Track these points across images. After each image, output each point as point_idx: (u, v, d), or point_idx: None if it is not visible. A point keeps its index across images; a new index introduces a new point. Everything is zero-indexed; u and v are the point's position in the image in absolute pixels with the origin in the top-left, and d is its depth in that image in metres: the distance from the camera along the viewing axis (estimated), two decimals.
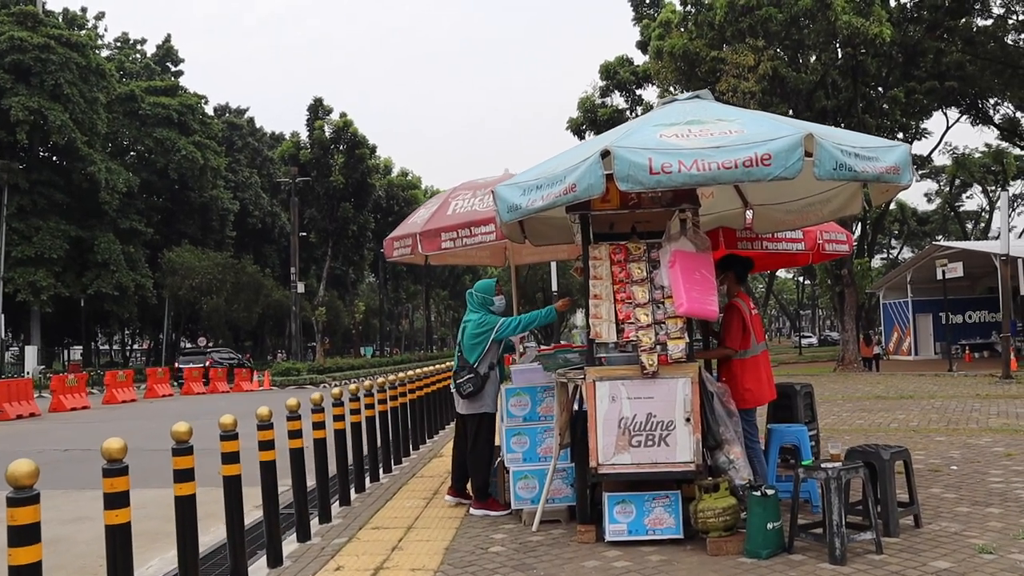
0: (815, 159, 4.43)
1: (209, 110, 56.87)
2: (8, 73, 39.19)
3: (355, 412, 8.15)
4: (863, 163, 4.65)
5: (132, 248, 45.08)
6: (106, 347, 67.70)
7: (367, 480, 7.99)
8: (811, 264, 8.70)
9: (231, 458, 4.97)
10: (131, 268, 44.36)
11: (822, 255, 7.52)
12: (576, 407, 5.87)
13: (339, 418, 7.53)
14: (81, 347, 54.10)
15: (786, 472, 6.51)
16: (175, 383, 28.97)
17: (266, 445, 5.45)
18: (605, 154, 4.48)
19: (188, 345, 58.28)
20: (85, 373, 22.54)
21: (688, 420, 5.00)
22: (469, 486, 6.50)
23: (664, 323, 5.03)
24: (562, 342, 7.44)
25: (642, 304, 5.06)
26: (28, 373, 33.22)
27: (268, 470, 5.45)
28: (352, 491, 7.48)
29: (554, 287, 28.33)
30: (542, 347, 6.46)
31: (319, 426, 6.72)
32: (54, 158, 44.01)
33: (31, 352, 39.63)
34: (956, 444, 9.04)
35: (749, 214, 6.98)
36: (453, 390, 6.45)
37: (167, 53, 56.76)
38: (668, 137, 4.64)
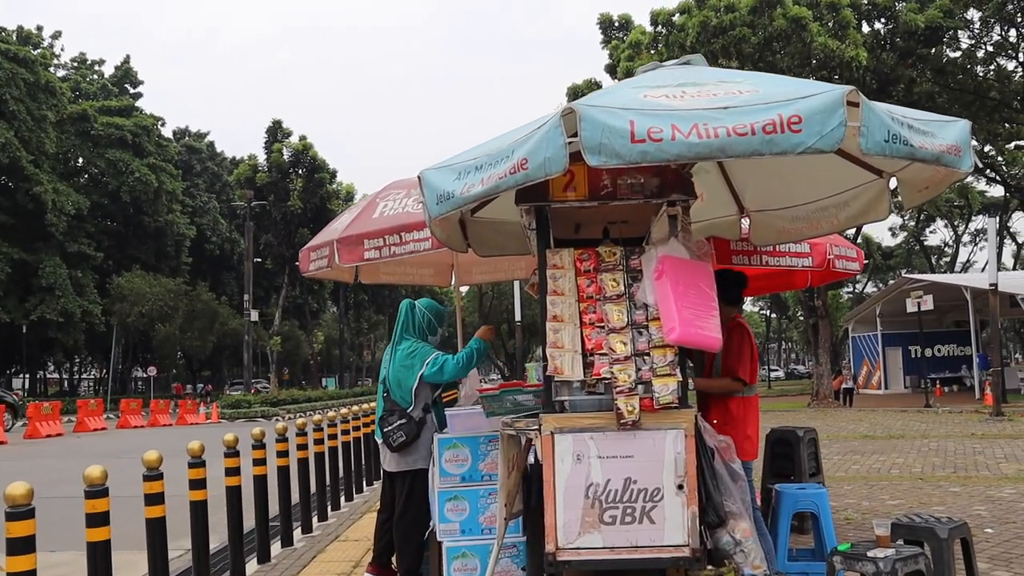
0: (861, 126, 3.16)
1: (167, 132, 55.29)
2: None
3: (282, 455, 6.75)
4: (920, 137, 3.39)
5: (80, 273, 43.22)
6: (55, 375, 64.79)
7: (279, 544, 6.53)
8: (810, 287, 7.36)
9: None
10: (78, 293, 42.48)
11: (832, 273, 6.26)
12: (532, 459, 4.51)
13: (260, 462, 6.14)
14: (27, 375, 51.66)
15: (796, 546, 5.19)
16: (112, 416, 26.92)
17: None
18: (568, 114, 3.17)
19: (142, 374, 55.94)
20: (2, 405, 20.61)
21: (681, 487, 3.66)
22: (395, 560, 5.08)
23: (648, 355, 3.70)
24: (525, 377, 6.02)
25: (618, 329, 3.73)
26: None
27: (156, 530, 4.18)
28: (255, 560, 6.01)
29: (517, 316, 26.73)
30: (484, 385, 5.05)
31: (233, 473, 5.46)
32: None
33: None
34: (977, 497, 7.81)
35: (746, 222, 5.73)
36: (379, 440, 5.05)
37: (125, 75, 55.08)
38: (656, 98, 3.36)
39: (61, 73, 50.89)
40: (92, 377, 64.09)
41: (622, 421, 3.62)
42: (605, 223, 4.30)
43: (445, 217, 4.49)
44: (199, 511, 4.88)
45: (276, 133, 41.89)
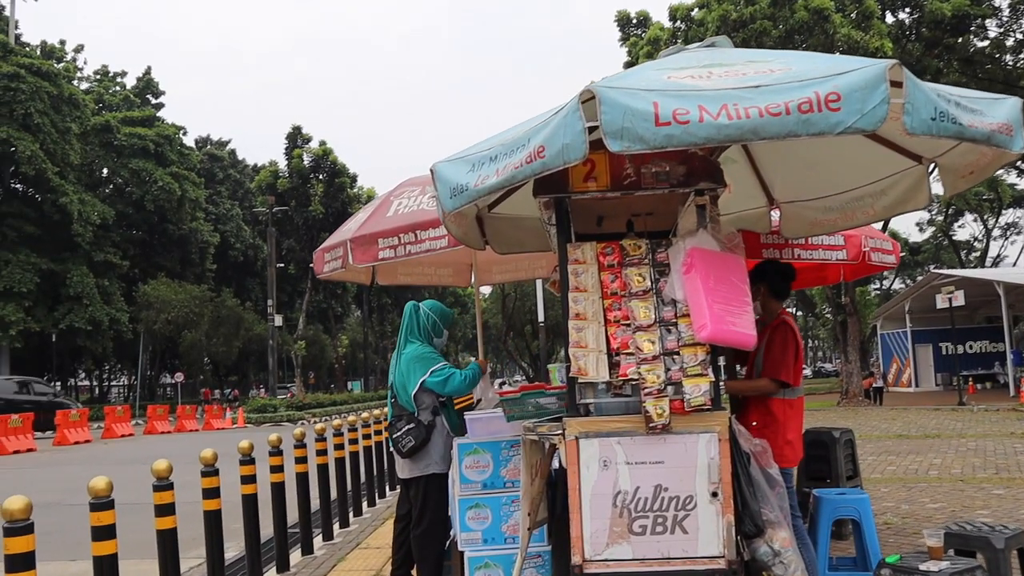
0: (906, 103, 2.92)
1: (189, 141, 55.70)
2: None
3: (301, 460, 6.61)
4: (969, 116, 3.14)
5: (107, 281, 43.64)
6: (85, 383, 65.56)
7: (298, 552, 6.37)
8: (839, 282, 6.98)
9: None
10: (105, 302, 42.88)
11: (868, 266, 5.98)
12: (557, 464, 4.31)
13: (278, 468, 5.99)
14: (59, 384, 52.27)
15: (835, 553, 4.93)
16: (140, 421, 27.02)
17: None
18: (588, 99, 2.97)
19: (169, 380, 56.42)
20: (32, 413, 20.74)
21: (715, 495, 3.43)
22: (415, 573, 4.90)
23: (678, 354, 3.47)
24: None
25: (645, 327, 3.51)
26: None
27: (167, 541, 4.06)
28: (274, 570, 5.85)
29: (540, 316, 26.40)
30: (504, 387, 4.85)
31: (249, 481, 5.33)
32: (24, 189, 42.50)
33: None
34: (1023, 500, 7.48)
35: (775, 214, 5.48)
36: (391, 448, 4.90)
37: (147, 85, 55.60)
38: (681, 79, 3.14)
39: (84, 86, 51.46)
40: (122, 384, 64.75)
41: (651, 425, 3.40)
42: (629, 215, 4.09)
43: (461, 213, 4.31)
44: (213, 521, 4.73)
45: (296, 139, 41.96)
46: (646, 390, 3.42)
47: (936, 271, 37.39)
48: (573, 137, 2.98)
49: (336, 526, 7.34)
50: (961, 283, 26.98)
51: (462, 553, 4.43)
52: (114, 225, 45.27)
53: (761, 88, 2.94)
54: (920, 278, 43.16)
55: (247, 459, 5.36)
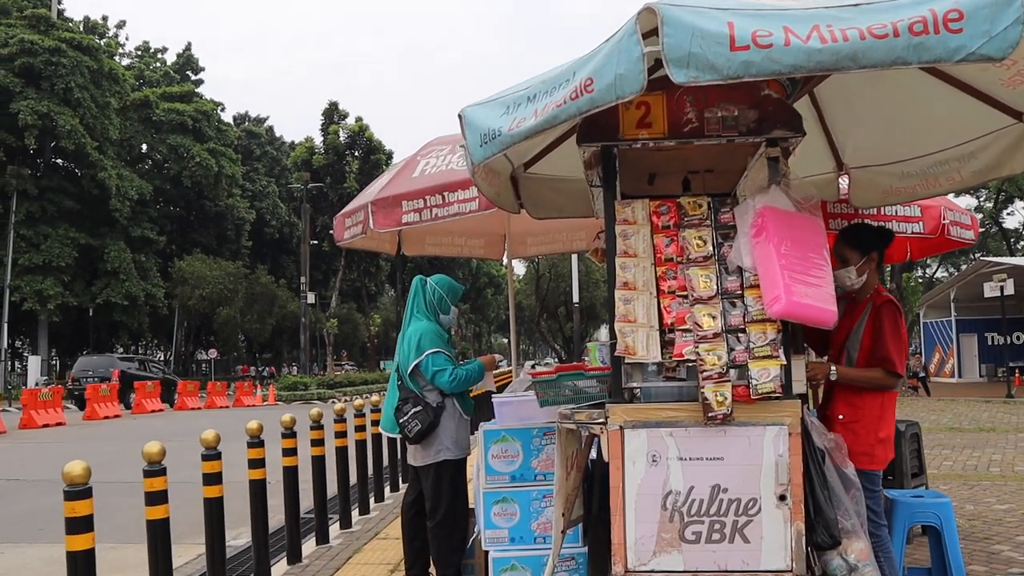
0: None
1: (227, 118, 55.84)
2: (18, 77, 38.26)
3: (318, 443, 6.20)
4: None
5: (143, 257, 43.97)
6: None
7: (313, 541, 5.97)
8: (908, 259, 6.25)
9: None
10: (142, 277, 43.24)
11: (946, 242, 5.36)
12: (595, 454, 3.83)
13: (291, 452, 5.59)
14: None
15: (912, 563, 4.38)
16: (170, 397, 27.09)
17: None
18: (648, 23, 2.44)
19: (204, 356, 56.94)
20: (61, 386, 20.74)
21: (783, 498, 2.92)
22: (433, 570, 4.46)
23: (744, 331, 2.95)
24: (585, 360, 5.26)
25: (705, 299, 2.99)
26: (36, 384, 31.78)
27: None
28: (284, 561, 5.46)
29: (575, 297, 25.79)
30: (538, 367, 4.37)
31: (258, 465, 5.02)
32: (64, 164, 42.89)
33: (34, 363, 38.15)
34: None
35: (844, 181, 4.91)
36: (387, 435, 4.51)
37: (187, 62, 55.75)
38: None
39: (126, 62, 51.76)
40: (158, 360, 65.65)
41: (710, 414, 2.89)
42: (685, 173, 3.57)
43: (493, 170, 3.84)
44: (214, 509, 4.32)
45: (332, 115, 41.72)
46: (705, 373, 2.90)
47: (985, 259, 36.09)
48: (629, 66, 2.46)
49: (356, 513, 6.94)
50: (1012, 271, 25.87)
51: (486, 553, 3.97)
52: (151, 201, 45.56)
53: (862, 7, 2.41)
54: (964, 267, 41.74)
55: (256, 441, 4.94)
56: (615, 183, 3.19)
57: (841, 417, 3.52)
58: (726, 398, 2.89)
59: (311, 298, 36.59)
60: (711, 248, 3.05)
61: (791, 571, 2.92)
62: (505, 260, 6.47)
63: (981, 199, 53.33)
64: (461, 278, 57.62)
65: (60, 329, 43.28)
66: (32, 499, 8.70)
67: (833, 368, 3.46)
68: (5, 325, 37.27)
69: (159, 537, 3.70)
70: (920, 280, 57.67)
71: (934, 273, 62.46)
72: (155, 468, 3.72)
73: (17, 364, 47.34)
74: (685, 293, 3.01)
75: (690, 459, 2.96)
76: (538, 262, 39.99)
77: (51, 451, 13.65)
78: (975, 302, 30.31)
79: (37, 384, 31.25)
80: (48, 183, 40.35)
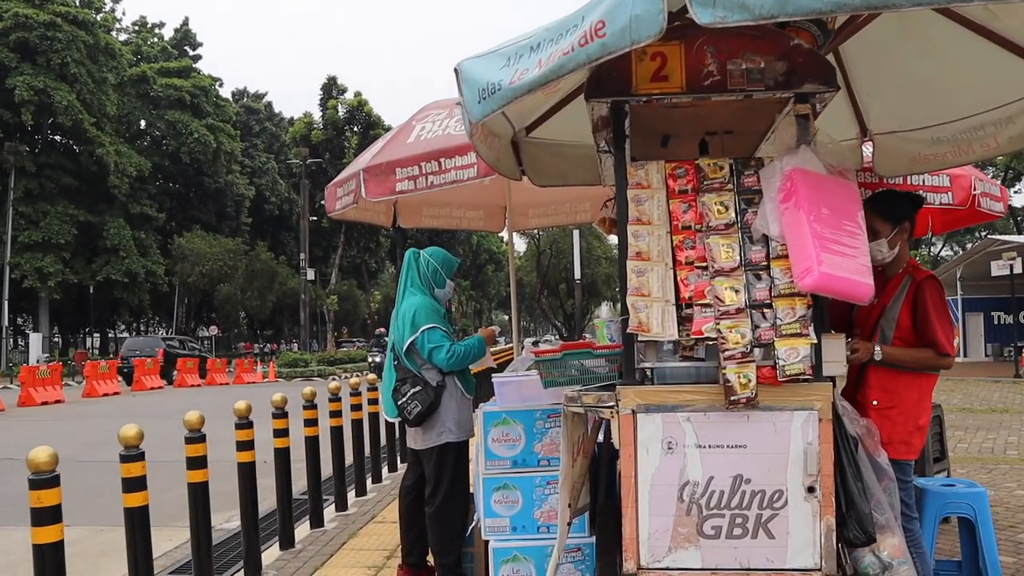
0: None
1: (225, 93, 55.27)
2: (13, 52, 37.76)
3: (311, 423, 5.96)
4: None
5: (143, 234, 43.71)
6: (125, 335, 66.48)
7: (307, 524, 5.75)
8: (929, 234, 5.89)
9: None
10: (142, 254, 43.03)
11: (976, 213, 5.05)
12: (602, 437, 3.57)
13: (283, 432, 5.34)
14: (97, 335, 52.89)
15: (938, 555, 4.12)
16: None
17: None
18: None
19: (205, 333, 56.82)
20: (59, 363, 20.54)
21: (812, 490, 2.65)
22: (431, 559, 4.22)
23: (770, 307, 2.67)
24: (587, 337, 4.99)
25: (727, 271, 2.71)
26: (37, 361, 31.69)
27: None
28: (277, 546, 5.23)
29: (576, 274, 25.44)
30: (540, 345, 4.11)
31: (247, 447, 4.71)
32: (62, 140, 42.49)
33: (35, 340, 38.05)
34: None
35: (868, 148, 4.59)
36: (388, 418, 4.25)
37: (184, 37, 55.10)
38: None
39: (123, 37, 51.13)
40: (160, 337, 65.56)
41: (732, 398, 2.62)
42: (703, 134, 3.27)
43: (493, 132, 3.54)
44: (198, 493, 4.07)
45: (331, 90, 41.25)
46: (727, 353, 2.62)
47: (992, 237, 35.72)
48: (646, 5, 2.17)
49: (352, 494, 6.71)
50: (1021, 250, 25.52)
51: (486, 542, 3.72)
52: (150, 177, 45.24)
53: None
54: (970, 245, 41.38)
55: (244, 422, 4.69)
56: (625, 144, 2.89)
57: (875, 403, 3.23)
58: (750, 380, 2.61)
59: (311, 275, 36.36)
60: (733, 215, 2.76)
61: (820, 570, 2.66)
62: (505, 234, 6.19)
63: (988, 176, 52.76)
64: (462, 254, 57.30)
65: (61, 306, 43.14)
66: (23, 480, 8.48)
67: (877, 348, 3.18)
68: (6, 303, 37.08)
69: (137, 525, 3.46)
70: (925, 259, 57.24)
71: (939, 251, 62.03)
72: (132, 453, 3.47)
73: (20, 342, 47.26)
74: (705, 264, 2.72)
75: (709, 446, 2.69)
76: (539, 238, 39.67)
77: (49, 429, 13.45)
78: (981, 280, 29.96)
79: (38, 361, 31.18)
80: (46, 160, 40.01)
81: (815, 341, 2.64)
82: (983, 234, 50.62)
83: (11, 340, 41.92)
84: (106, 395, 21.16)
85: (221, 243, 44.58)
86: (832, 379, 2.75)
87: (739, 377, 2.61)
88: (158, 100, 45.76)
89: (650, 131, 3.23)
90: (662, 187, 2.80)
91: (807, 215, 2.60)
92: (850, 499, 2.66)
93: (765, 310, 2.66)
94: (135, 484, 3.46)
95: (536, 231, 38.82)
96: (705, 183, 2.79)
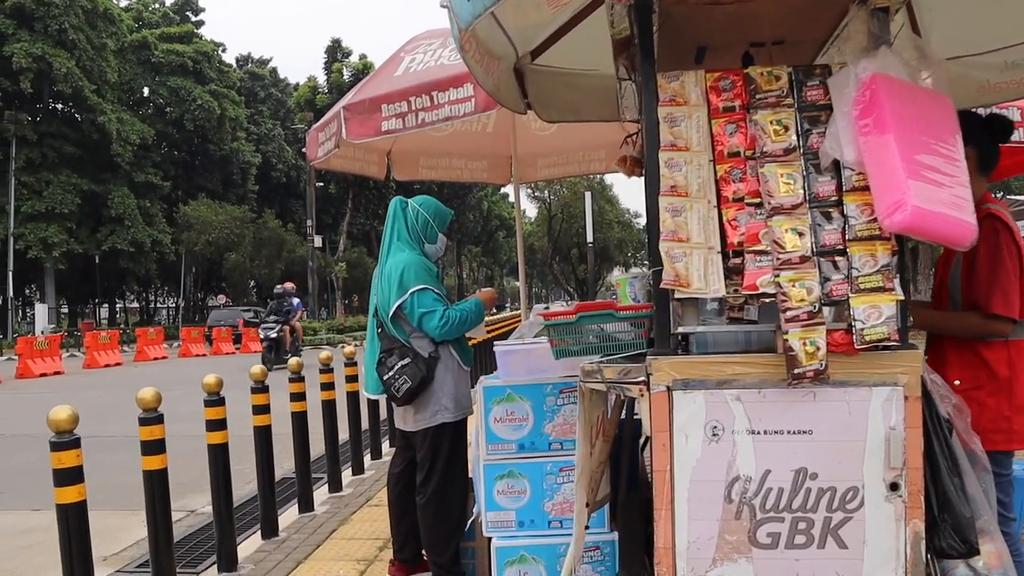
0: None
1: (229, 59, 54.44)
2: (9, 18, 37.01)
3: (298, 397, 5.44)
4: None
5: (148, 203, 43.23)
6: (134, 305, 66.44)
7: (295, 508, 5.25)
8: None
9: None
10: (147, 223, 42.61)
11: None
12: (622, 414, 3.01)
13: (264, 408, 4.81)
14: (107, 305, 52.76)
15: None
16: (172, 344, 26.60)
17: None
18: None
19: (214, 302, 56.66)
20: (59, 334, 20.17)
21: (895, 488, 2.09)
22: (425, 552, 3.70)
23: (844, 253, 2.09)
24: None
25: (789, 208, 2.12)
26: (42, 332, 31.48)
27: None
28: (259, 535, 4.74)
29: (589, 237, 24.66)
30: (551, 307, 3.55)
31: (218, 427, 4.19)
32: (63, 108, 41.87)
33: (41, 311, 37.84)
34: None
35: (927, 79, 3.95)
36: (370, 396, 3.73)
37: (186, 2, 54.07)
38: None
39: (124, 3, 50.22)
40: (169, 306, 65.41)
41: (795, 371, 2.05)
42: (746, 46, 2.66)
43: (491, 52, 2.94)
44: (156, 480, 3.55)
45: (336, 53, 40.34)
46: (788, 313, 2.05)
47: (1012, 197, 34.74)
48: None
49: (348, 473, 6.22)
50: None
51: (489, 539, 3.19)
52: (154, 145, 44.70)
53: None
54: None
55: (215, 399, 4.13)
56: (653, 50, 2.29)
57: (957, 383, 2.60)
58: (818, 348, 2.04)
59: (319, 242, 35.84)
60: (795, 137, 2.16)
61: None
62: (511, 188, 5.59)
63: (1022, 132, 51.32)
64: (472, 220, 56.63)
65: (67, 277, 42.87)
66: (11, 456, 8.04)
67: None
68: (10, 273, 36.81)
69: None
70: None
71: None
72: (65, 439, 2.92)
73: (29, 312, 47.18)
74: (758, 200, 2.14)
75: (765, 433, 2.13)
76: (550, 202, 38.90)
77: (47, 402, 13.04)
78: None
79: (43, 332, 30.93)
80: (47, 128, 39.43)
81: (901, 297, 2.06)
82: (999, 196, 49.57)
83: (20, 311, 41.73)
84: (107, 366, 20.79)
85: (228, 211, 44.12)
86: (918, 347, 2.18)
87: (804, 344, 2.04)
88: (160, 66, 45.01)
89: (682, 42, 2.62)
90: (702, 103, 2.21)
91: (894, 134, 2.00)
92: (945, 499, 2.10)
93: (837, 258, 2.08)
94: (69, 476, 2.91)
95: (547, 194, 38.06)
96: (757, 97, 2.19)
